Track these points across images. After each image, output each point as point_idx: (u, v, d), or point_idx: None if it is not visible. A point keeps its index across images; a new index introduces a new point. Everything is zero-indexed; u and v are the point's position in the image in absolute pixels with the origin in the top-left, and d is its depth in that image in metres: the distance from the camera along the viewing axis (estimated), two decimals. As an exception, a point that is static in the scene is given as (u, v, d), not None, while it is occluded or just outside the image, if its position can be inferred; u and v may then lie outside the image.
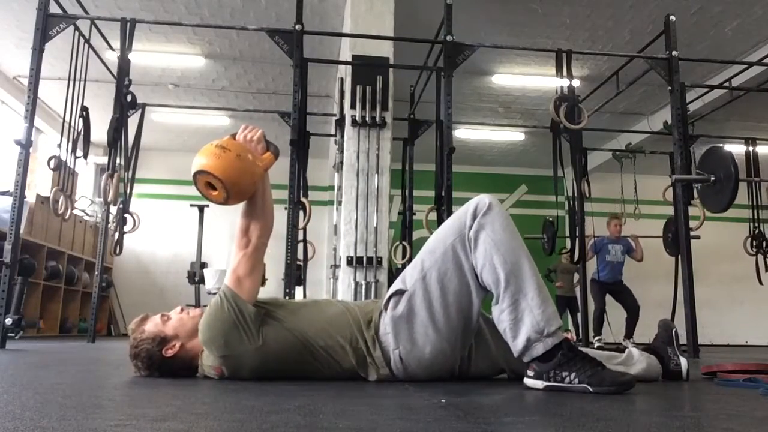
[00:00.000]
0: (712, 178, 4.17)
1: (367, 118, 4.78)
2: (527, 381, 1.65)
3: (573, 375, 1.56)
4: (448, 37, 4.30)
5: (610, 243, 6.89)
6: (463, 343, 1.80)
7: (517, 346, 1.64)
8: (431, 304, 1.72)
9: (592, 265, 6.81)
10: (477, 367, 1.89)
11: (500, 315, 1.66)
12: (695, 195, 4.60)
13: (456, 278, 1.72)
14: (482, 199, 1.72)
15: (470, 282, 1.72)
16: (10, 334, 4.06)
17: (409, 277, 1.77)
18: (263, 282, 9.28)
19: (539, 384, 1.61)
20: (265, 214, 1.81)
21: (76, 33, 4.43)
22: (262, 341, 1.71)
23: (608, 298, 6.82)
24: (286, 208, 4.16)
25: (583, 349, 1.71)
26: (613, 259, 6.86)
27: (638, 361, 1.92)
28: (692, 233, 4.43)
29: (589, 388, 1.53)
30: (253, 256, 1.78)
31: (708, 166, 4.28)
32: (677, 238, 4.53)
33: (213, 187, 1.72)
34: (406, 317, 1.74)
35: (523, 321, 1.62)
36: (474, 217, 1.70)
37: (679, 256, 4.42)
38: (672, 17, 4.49)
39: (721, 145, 4.35)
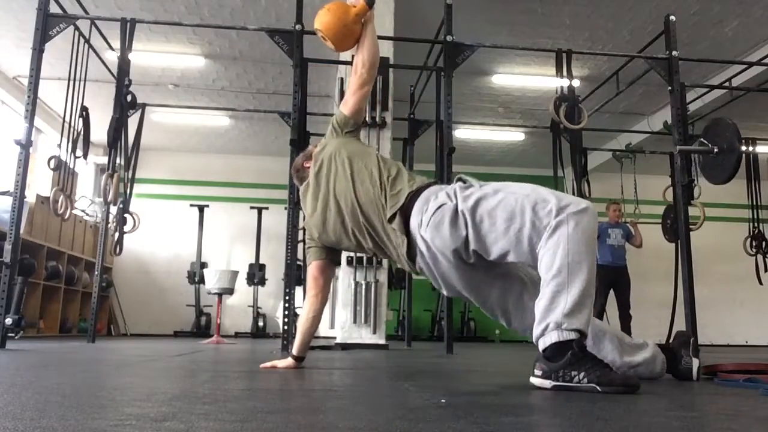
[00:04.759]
0: (715, 150, 4.13)
1: (367, 118, 4.78)
2: (534, 380, 1.65)
3: (582, 375, 1.58)
4: (448, 37, 4.30)
5: (609, 227, 6.89)
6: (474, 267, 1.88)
7: (537, 329, 1.68)
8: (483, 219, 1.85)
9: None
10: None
11: (539, 300, 1.70)
12: (696, 165, 4.56)
13: (507, 228, 1.77)
14: (583, 200, 1.77)
15: (514, 244, 1.76)
16: (10, 334, 4.06)
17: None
18: (263, 283, 9.28)
19: (547, 383, 1.62)
20: (365, 50, 2.34)
21: (76, 33, 4.43)
22: (344, 134, 2.29)
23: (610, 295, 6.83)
24: (286, 208, 4.16)
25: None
26: (614, 242, 6.85)
27: (648, 350, 1.97)
28: (692, 229, 4.40)
29: (598, 387, 1.55)
30: (357, 81, 2.34)
31: (711, 137, 4.23)
32: (676, 224, 4.52)
33: (325, 38, 2.36)
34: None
35: (554, 311, 1.65)
36: (566, 206, 1.71)
37: (679, 257, 4.42)
38: (672, 17, 4.48)
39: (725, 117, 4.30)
